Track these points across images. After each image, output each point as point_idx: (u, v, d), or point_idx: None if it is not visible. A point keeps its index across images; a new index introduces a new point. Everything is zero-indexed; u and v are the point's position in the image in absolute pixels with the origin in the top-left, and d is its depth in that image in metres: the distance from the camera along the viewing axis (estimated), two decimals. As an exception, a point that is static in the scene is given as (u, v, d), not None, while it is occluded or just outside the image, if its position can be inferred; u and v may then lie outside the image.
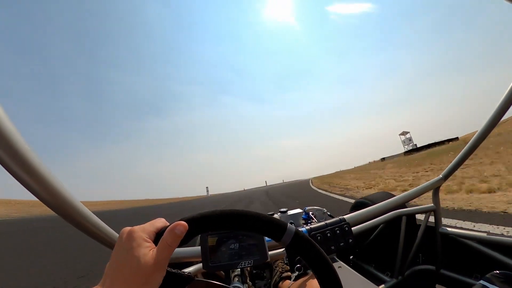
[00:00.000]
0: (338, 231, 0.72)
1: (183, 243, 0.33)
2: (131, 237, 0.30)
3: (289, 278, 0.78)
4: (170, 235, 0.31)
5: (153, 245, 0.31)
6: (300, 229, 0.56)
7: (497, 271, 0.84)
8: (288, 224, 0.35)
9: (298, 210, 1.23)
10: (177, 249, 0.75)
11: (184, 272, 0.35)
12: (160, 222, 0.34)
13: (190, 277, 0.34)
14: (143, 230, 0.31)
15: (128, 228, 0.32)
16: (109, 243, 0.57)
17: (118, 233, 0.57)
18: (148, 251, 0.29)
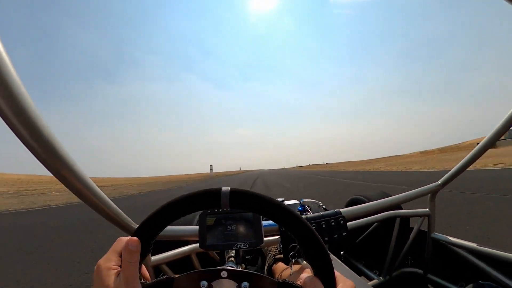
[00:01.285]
0: (333, 223, 0.73)
1: (145, 252, 0.35)
2: (98, 272, 0.32)
3: (282, 260, 0.81)
4: (126, 253, 0.32)
5: (120, 268, 0.33)
6: None
7: (482, 282, 0.87)
8: (223, 187, 0.36)
9: (295, 201, 1.25)
10: (175, 228, 0.78)
11: (162, 277, 0.36)
12: (120, 243, 0.35)
13: (169, 279, 0.35)
14: (107, 260, 0.33)
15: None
16: (126, 229, 0.62)
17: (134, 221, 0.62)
18: (115, 277, 0.31)
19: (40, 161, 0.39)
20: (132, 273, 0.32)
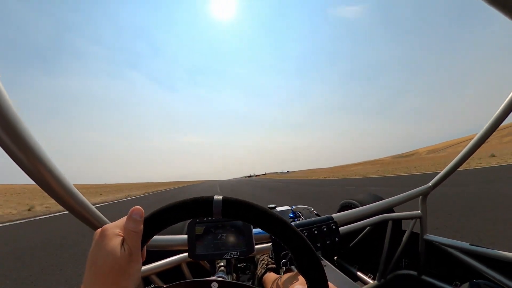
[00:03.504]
0: (325, 229, 0.72)
1: (150, 233, 0.34)
2: (103, 235, 0.31)
3: (273, 270, 0.79)
4: (130, 221, 0.32)
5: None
6: None
7: (476, 280, 0.88)
8: (215, 196, 0.35)
9: (286, 207, 1.24)
10: (164, 237, 0.75)
11: (151, 286, 0.35)
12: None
13: None
14: (115, 226, 0.32)
15: (101, 227, 0.33)
16: (96, 226, 0.57)
17: (107, 218, 0.58)
18: (118, 243, 0.30)
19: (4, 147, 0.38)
20: (135, 243, 0.31)
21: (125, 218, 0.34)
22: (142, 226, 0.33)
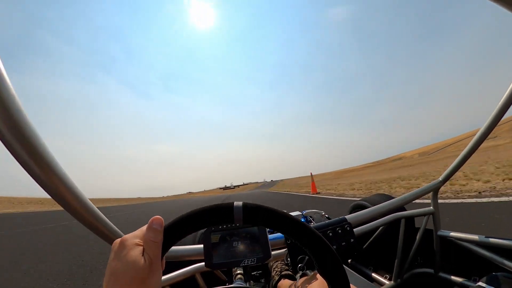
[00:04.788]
0: (339, 231, 0.72)
1: (172, 241, 0.34)
2: (122, 245, 0.31)
3: (288, 277, 0.78)
4: (150, 231, 0.32)
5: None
6: None
7: (495, 273, 0.85)
8: (235, 202, 0.35)
9: (297, 213, 1.23)
10: (179, 248, 0.75)
11: None
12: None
13: None
14: (134, 236, 0.32)
15: (120, 238, 0.33)
16: (111, 240, 0.57)
17: (122, 231, 0.59)
18: (139, 254, 0.30)
19: (19, 161, 0.38)
20: (155, 252, 0.31)
21: (144, 227, 0.34)
22: (162, 236, 0.33)
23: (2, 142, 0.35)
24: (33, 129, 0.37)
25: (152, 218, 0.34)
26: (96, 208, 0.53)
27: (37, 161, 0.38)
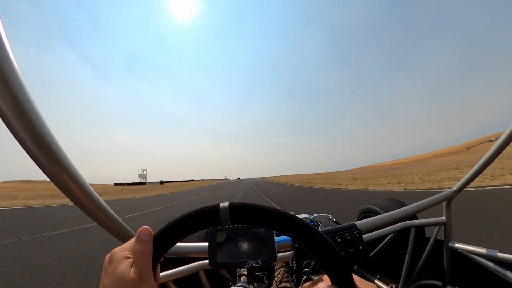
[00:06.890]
0: (348, 237, 0.70)
1: (163, 250, 0.34)
2: (111, 259, 0.31)
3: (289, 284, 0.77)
4: (138, 242, 0.32)
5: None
6: None
7: None
8: (221, 203, 0.34)
9: (305, 215, 1.22)
10: (184, 244, 0.75)
11: None
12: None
13: None
14: (123, 249, 0.32)
15: (109, 253, 0.33)
16: (123, 238, 0.59)
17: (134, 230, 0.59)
18: (127, 266, 0.30)
19: (38, 164, 0.37)
20: (145, 264, 0.31)
21: (133, 240, 0.33)
22: (151, 246, 0.32)
23: (16, 138, 0.35)
24: (45, 124, 0.36)
25: (140, 228, 0.33)
26: (109, 208, 0.53)
27: (52, 162, 0.38)
